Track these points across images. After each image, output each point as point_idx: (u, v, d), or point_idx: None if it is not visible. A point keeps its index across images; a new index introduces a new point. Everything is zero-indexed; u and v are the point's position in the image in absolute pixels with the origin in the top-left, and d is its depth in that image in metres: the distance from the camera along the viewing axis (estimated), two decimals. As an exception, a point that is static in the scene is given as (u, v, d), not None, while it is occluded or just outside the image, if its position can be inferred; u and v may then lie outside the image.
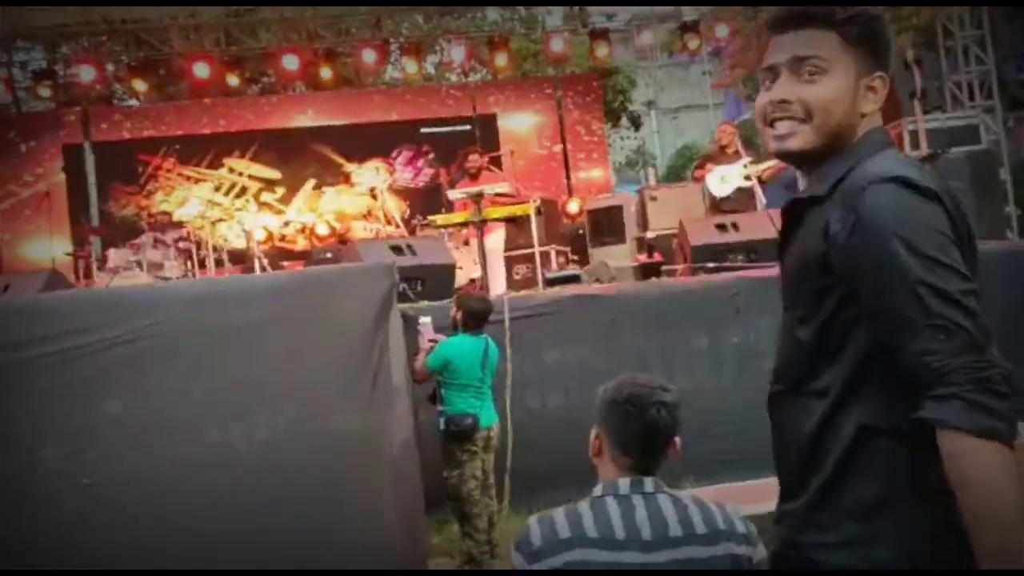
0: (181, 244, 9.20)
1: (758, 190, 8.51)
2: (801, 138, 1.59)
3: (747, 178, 8.84)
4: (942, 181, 1.51)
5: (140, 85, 12.20)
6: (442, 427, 5.19)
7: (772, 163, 8.90)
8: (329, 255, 9.82)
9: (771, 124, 1.62)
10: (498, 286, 8.16)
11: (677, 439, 2.06)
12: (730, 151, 9.24)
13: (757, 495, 3.52)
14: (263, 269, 8.90)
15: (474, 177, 8.71)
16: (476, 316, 5.31)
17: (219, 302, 3.77)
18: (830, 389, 1.51)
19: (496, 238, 8.57)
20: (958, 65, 11.13)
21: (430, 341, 5.24)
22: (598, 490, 2.03)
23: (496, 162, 9.17)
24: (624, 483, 2.00)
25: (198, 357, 3.64)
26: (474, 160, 8.81)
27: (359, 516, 3.76)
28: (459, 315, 5.31)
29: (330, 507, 3.67)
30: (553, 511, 2.03)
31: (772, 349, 1.66)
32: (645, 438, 2.02)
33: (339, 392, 3.85)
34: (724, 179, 9.02)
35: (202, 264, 9.21)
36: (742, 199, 8.98)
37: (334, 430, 3.79)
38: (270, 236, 11.58)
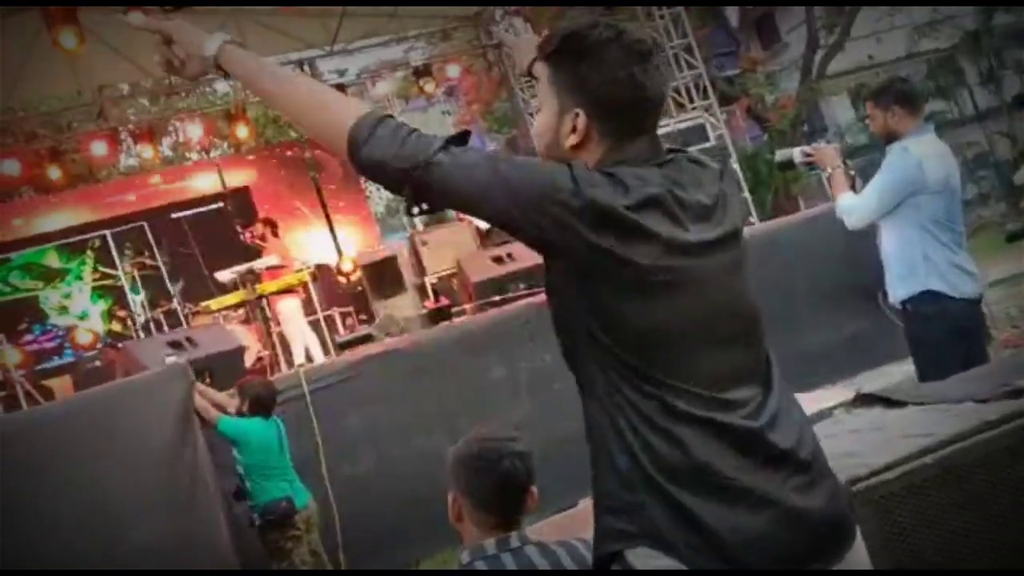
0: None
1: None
2: None
3: None
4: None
5: None
6: (257, 521, 4.96)
7: None
8: (98, 363, 9.16)
9: None
10: (316, 352, 7.99)
11: (534, 488, 2.06)
12: None
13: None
14: (27, 395, 8.13)
15: (261, 249, 8.54)
16: (263, 402, 5.13)
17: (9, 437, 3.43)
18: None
19: (291, 307, 8.35)
20: (673, 72, 12.05)
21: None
22: (464, 556, 1.99)
23: (275, 230, 8.97)
24: (490, 544, 1.97)
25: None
26: (257, 229, 8.63)
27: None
28: (244, 405, 5.12)
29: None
30: None
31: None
32: (503, 491, 2.00)
33: (153, 504, 3.60)
34: None
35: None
36: None
37: (150, 546, 3.53)
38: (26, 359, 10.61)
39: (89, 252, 12.17)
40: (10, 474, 3.53)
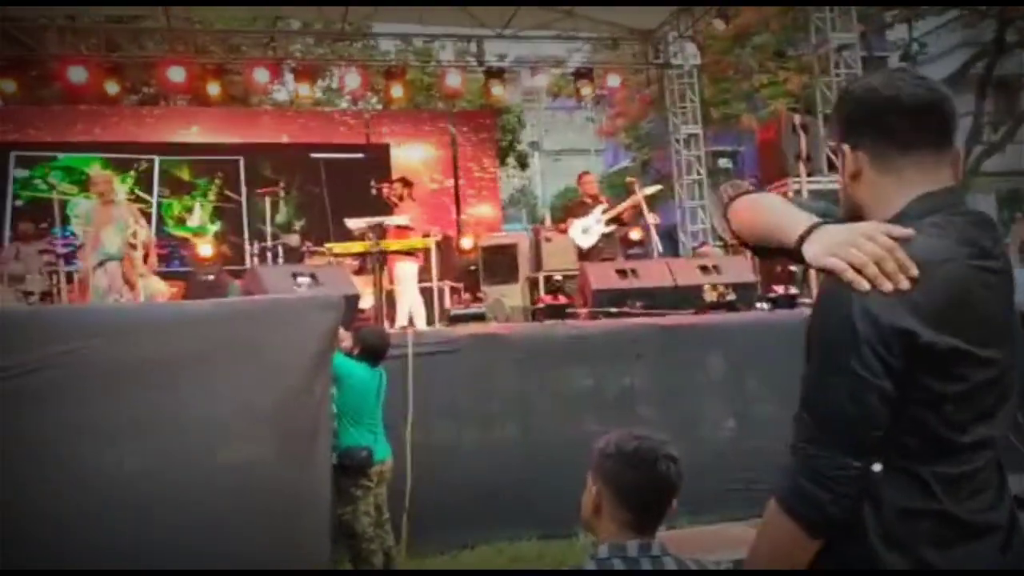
0: (46, 256, 8.80)
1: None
2: None
3: (608, 223, 9.02)
4: None
5: (8, 85, 11.48)
6: (335, 461, 5.02)
7: (625, 205, 9.10)
8: (211, 276, 9.43)
9: None
10: (418, 318, 8.06)
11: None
12: (588, 200, 9.40)
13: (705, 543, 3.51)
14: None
15: (393, 207, 8.65)
16: (374, 352, 5.20)
17: (149, 331, 3.51)
18: None
19: (408, 269, 8.43)
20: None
21: None
22: (603, 551, 1.94)
23: (411, 192, 9.06)
24: (632, 545, 1.93)
25: (118, 388, 3.37)
26: (396, 188, 8.75)
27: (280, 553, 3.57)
28: (356, 349, 5.18)
29: (250, 545, 3.47)
30: None
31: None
32: (652, 492, 1.96)
33: (281, 427, 3.66)
34: (585, 231, 9.14)
35: (69, 279, 8.74)
36: (609, 246, 9.12)
37: (262, 469, 3.59)
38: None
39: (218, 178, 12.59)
40: (137, 370, 3.54)
